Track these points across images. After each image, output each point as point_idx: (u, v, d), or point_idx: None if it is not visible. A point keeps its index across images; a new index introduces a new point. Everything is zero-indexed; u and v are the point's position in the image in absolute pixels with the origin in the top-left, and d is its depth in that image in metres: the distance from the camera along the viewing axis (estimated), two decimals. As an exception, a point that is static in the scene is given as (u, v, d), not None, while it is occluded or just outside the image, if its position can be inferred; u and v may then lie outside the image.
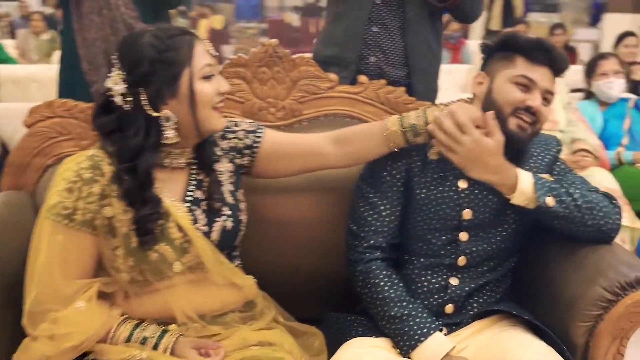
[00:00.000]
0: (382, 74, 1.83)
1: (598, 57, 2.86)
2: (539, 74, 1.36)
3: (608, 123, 2.76)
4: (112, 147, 1.20)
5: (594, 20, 11.18)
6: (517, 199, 1.32)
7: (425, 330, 1.29)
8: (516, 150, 1.40)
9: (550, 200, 1.30)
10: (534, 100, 1.34)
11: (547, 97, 1.37)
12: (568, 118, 2.62)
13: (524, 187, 1.31)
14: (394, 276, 1.37)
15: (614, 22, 8.59)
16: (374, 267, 1.37)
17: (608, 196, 1.39)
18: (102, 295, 1.22)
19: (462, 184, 1.39)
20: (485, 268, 1.41)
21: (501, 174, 1.33)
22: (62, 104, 1.59)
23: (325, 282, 1.60)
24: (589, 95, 2.90)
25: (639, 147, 2.70)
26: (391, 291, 1.34)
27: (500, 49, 1.42)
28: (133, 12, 1.87)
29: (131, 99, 1.18)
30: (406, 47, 1.84)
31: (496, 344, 1.28)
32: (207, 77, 1.21)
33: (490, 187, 1.36)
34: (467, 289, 1.39)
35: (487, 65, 1.44)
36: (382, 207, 1.41)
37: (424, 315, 1.31)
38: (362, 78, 1.67)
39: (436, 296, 1.39)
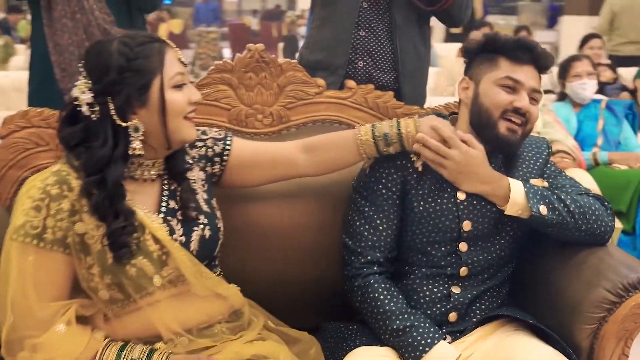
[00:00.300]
0: (371, 79, 1.82)
1: (571, 59, 2.92)
2: (524, 74, 1.36)
3: (582, 124, 2.83)
4: (78, 160, 1.15)
5: (551, 22, 11.51)
6: (511, 209, 1.33)
7: (429, 340, 1.28)
8: (508, 154, 1.41)
9: (543, 209, 1.31)
10: (521, 100, 1.34)
11: (535, 96, 1.37)
12: (544, 120, 2.67)
13: (516, 196, 1.32)
14: (392, 289, 1.36)
15: (571, 25, 8.86)
16: (372, 281, 1.36)
17: (599, 198, 1.40)
18: (81, 320, 1.17)
19: (461, 196, 1.38)
20: (485, 275, 1.41)
21: (493, 184, 1.34)
22: (38, 114, 1.53)
23: (317, 291, 1.57)
24: (562, 96, 2.97)
25: (612, 148, 2.78)
26: (391, 304, 1.33)
27: (481, 52, 1.42)
28: (108, 17, 1.82)
29: (98, 108, 1.14)
30: (394, 52, 1.84)
31: (502, 349, 1.28)
32: (178, 86, 1.18)
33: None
34: (469, 296, 1.39)
35: (470, 70, 1.44)
36: (379, 221, 1.39)
37: (427, 325, 1.31)
38: (350, 83, 1.66)
39: (439, 305, 1.39)
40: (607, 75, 3.85)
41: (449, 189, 1.38)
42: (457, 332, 1.38)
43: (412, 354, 1.27)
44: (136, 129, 1.15)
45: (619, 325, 1.23)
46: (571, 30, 8.40)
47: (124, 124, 1.15)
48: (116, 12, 1.85)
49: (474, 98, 1.40)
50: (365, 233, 1.39)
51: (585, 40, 4.18)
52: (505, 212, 1.34)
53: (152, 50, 1.16)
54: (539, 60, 1.38)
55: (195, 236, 1.24)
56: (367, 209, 1.40)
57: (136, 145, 1.16)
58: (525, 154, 1.46)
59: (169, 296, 1.20)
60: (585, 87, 2.84)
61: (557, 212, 1.32)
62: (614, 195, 2.44)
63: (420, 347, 1.27)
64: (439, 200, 1.38)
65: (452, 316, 1.38)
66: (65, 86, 1.81)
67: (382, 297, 1.34)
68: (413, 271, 1.41)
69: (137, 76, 1.14)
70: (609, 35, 5.51)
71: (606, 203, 1.40)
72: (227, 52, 10.22)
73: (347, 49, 1.83)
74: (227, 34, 10.63)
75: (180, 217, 1.24)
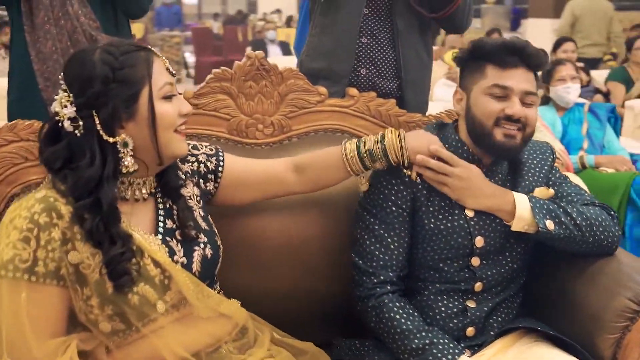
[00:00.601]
0: (374, 87, 1.80)
1: (555, 63, 2.96)
2: (513, 78, 1.33)
3: (568, 128, 2.87)
4: (65, 183, 1.08)
5: (514, 25, 11.74)
6: (517, 224, 1.32)
7: (450, 356, 1.26)
8: (511, 160, 1.40)
9: (550, 224, 1.30)
10: (512, 107, 1.32)
11: (528, 99, 1.34)
12: (531, 124, 2.69)
13: (521, 211, 1.32)
14: (407, 307, 1.34)
15: (535, 27, 9.05)
16: (386, 300, 1.34)
17: (605, 208, 1.40)
18: (82, 355, 1.10)
19: (469, 212, 1.37)
20: (499, 288, 1.41)
21: (498, 198, 1.34)
22: (27, 126, 1.46)
23: (322, 305, 1.55)
24: (546, 100, 3.00)
25: (597, 151, 2.83)
26: (408, 323, 1.31)
27: (470, 60, 1.40)
28: (94, 23, 1.75)
29: (82, 123, 1.07)
30: (397, 59, 1.82)
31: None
32: (167, 97, 1.13)
33: None
34: (485, 309, 1.38)
35: (462, 80, 1.43)
36: (390, 240, 1.37)
37: (446, 341, 1.29)
38: (353, 91, 1.63)
39: (455, 320, 1.37)
40: (580, 78, 3.92)
41: (458, 206, 1.37)
42: (475, 346, 1.37)
43: None
44: (125, 144, 1.09)
45: (643, 333, 1.23)
46: (535, 33, 8.58)
47: (111, 140, 1.08)
48: (102, 17, 1.78)
49: (467, 109, 1.38)
50: (377, 252, 1.37)
51: (559, 43, 4.26)
52: (512, 228, 1.33)
53: (138, 59, 1.10)
54: (530, 60, 1.35)
55: (196, 256, 1.19)
56: (377, 227, 1.37)
57: (128, 161, 1.10)
58: (530, 161, 1.45)
59: (173, 321, 1.14)
60: (569, 91, 2.88)
61: (563, 226, 1.31)
62: (603, 198, 2.46)
63: None
64: (449, 217, 1.36)
65: (470, 331, 1.37)
66: (49, 96, 1.73)
67: (397, 316, 1.32)
68: (426, 287, 1.39)
69: (124, 87, 1.07)
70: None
71: (612, 212, 1.40)
72: (190, 57, 10.10)
73: (351, 56, 1.80)
74: (190, 38, 10.50)
75: (179, 237, 1.19)
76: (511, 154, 1.38)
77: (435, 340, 1.28)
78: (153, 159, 1.13)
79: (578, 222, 1.32)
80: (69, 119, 1.07)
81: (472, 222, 1.36)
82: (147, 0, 1.83)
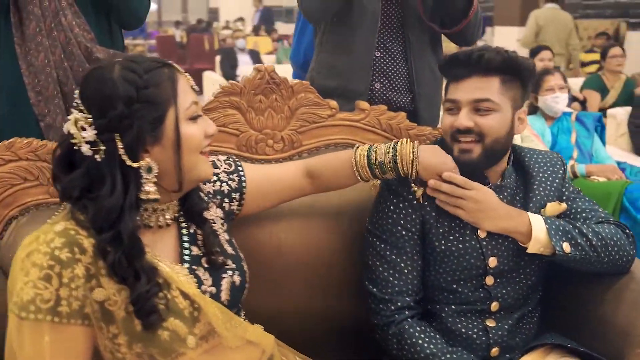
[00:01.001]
0: (388, 101, 1.80)
1: (544, 73, 3.00)
2: (462, 90, 1.32)
3: (557, 137, 2.91)
4: (84, 213, 1.01)
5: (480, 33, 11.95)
6: (533, 246, 1.31)
7: None
8: (474, 173, 1.36)
9: (566, 247, 1.29)
10: (458, 119, 1.31)
11: (482, 106, 1.30)
12: (522, 134, 2.72)
13: (537, 233, 1.30)
14: (428, 330, 1.33)
15: (502, 35, 9.23)
16: (406, 326, 1.32)
17: (619, 225, 1.40)
18: None
19: (482, 233, 1.36)
20: (516, 305, 1.40)
21: (514, 220, 1.32)
22: (25, 145, 1.40)
23: (339, 324, 1.52)
24: (534, 110, 3.04)
25: (587, 160, 2.87)
26: (431, 346, 1.30)
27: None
28: (89, 34, 1.68)
29: (103, 147, 1.00)
30: (409, 72, 1.82)
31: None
32: (193, 118, 1.07)
33: None
34: (506, 327, 1.37)
35: None
36: (403, 265, 1.35)
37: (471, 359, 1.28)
38: (363, 104, 1.62)
39: (478, 342, 1.36)
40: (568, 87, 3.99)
41: (469, 226, 1.35)
42: (500, 363, 1.36)
43: None
44: (149, 170, 1.03)
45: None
46: (500, 41, 8.75)
47: (134, 165, 1.01)
48: (96, 28, 1.72)
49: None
50: (391, 278, 1.35)
51: (535, 52, 4.33)
52: (528, 251, 1.32)
53: (162, 77, 1.03)
54: (481, 65, 1.30)
55: (225, 284, 1.14)
56: (388, 252, 1.36)
57: (150, 188, 1.03)
58: (540, 175, 1.43)
59: (201, 353, 1.08)
60: (558, 101, 2.93)
61: (579, 248, 1.30)
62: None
63: None
64: (461, 239, 1.35)
65: (495, 351, 1.36)
66: (42, 111, 1.66)
67: (420, 341, 1.30)
68: (443, 309, 1.38)
69: (149, 108, 1.01)
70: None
71: (627, 231, 1.40)
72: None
73: (368, 74, 1.79)
74: (153, 46, 10.35)
75: (206, 265, 1.13)
76: (470, 167, 1.34)
77: None
78: (176, 183, 1.07)
79: (594, 242, 1.31)
80: (88, 142, 1.00)
81: (485, 243, 1.35)
82: (144, 10, 1.77)
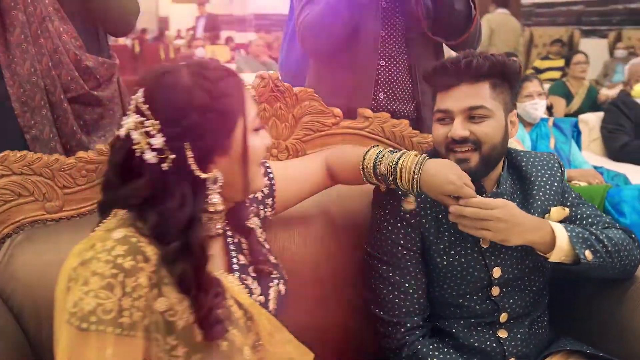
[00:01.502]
0: (392, 111, 1.77)
1: (522, 80, 3.06)
2: (452, 99, 1.30)
3: (537, 143, 2.96)
4: (144, 221, 0.97)
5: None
6: (556, 256, 1.28)
7: None
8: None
9: (588, 254, 1.27)
10: (453, 130, 1.29)
11: (476, 113, 1.29)
12: (503, 140, 2.76)
13: (560, 241, 1.27)
14: (441, 346, 1.32)
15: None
16: (419, 347, 1.32)
17: (626, 231, 1.41)
18: None
19: (485, 244, 1.34)
20: (525, 312, 1.40)
21: (540, 230, 1.28)
22: (19, 158, 1.34)
23: (355, 340, 1.50)
24: (511, 116, 3.08)
25: (566, 165, 2.93)
26: None
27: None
28: (77, 41, 1.62)
29: (172, 156, 0.97)
30: (413, 82, 1.81)
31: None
32: (257, 129, 1.06)
33: None
34: (519, 336, 1.38)
35: None
36: (407, 285, 1.34)
37: None
38: (367, 112, 1.61)
39: (493, 354, 1.36)
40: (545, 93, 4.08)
41: (470, 238, 1.33)
42: (517, 372, 1.36)
43: None
44: (215, 181, 1.01)
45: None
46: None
47: (203, 175, 0.99)
48: (83, 35, 1.66)
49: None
50: (397, 300, 1.34)
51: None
52: (550, 259, 1.29)
53: (232, 86, 1.01)
54: (470, 71, 1.29)
55: (272, 293, 1.13)
56: (391, 274, 1.34)
57: (217, 199, 1.02)
58: (539, 179, 1.42)
59: None
60: (537, 107, 2.98)
61: (598, 255, 1.29)
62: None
63: None
64: (462, 252, 1.34)
65: None
66: (27, 123, 1.59)
67: (435, 358, 1.30)
68: (452, 325, 1.37)
69: (222, 118, 0.99)
70: (487, 50, 5.94)
71: (633, 236, 1.40)
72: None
73: (371, 89, 1.78)
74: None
75: (253, 274, 1.12)
76: (472, 176, 1.30)
77: None
78: (235, 194, 1.07)
79: (609, 248, 1.30)
80: (154, 149, 0.96)
81: (487, 254, 1.34)
82: (134, 15, 1.72)
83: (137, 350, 0.94)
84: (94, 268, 0.92)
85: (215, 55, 8.55)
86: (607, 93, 4.83)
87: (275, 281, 1.15)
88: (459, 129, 1.28)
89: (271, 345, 1.08)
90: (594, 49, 5.77)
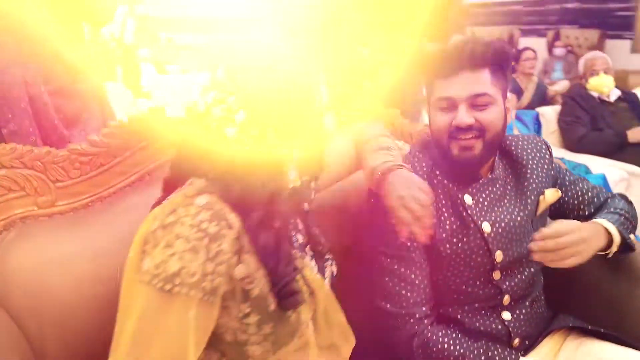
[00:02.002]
0: None
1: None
2: (456, 86, 1.30)
3: (502, 135, 3.04)
4: (230, 192, 0.98)
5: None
6: (613, 249, 1.34)
7: None
8: (473, 170, 1.39)
9: (632, 237, 1.35)
10: (457, 117, 1.29)
11: (480, 100, 1.29)
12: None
13: (615, 236, 1.34)
14: (449, 332, 1.35)
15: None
16: (429, 335, 1.33)
17: (624, 197, 1.50)
18: None
19: (487, 228, 1.37)
20: (525, 293, 1.44)
21: (600, 234, 1.33)
22: (9, 151, 1.28)
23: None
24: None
25: (530, 156, 3.02)
26: (458, 347, 1.32)
27: (425, 77, 1.39)
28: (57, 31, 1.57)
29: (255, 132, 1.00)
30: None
31: (584, 358, 1.33)
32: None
33: (509, 219, 1.38)
34: (522, 316, 1.42)
35: (427, 97, 1.41)
36: (413, 276, 1.35)
37: (500, 350, 1.31)
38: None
39: (498, 336, 1.39)
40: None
41: (472, 225, 1.36)
42: (522, 350, 1.40)
43: None
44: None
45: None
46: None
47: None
48: (65, 25, 1.61)
49: (430, 129, 1.39)
50: (404, 292, 1.35)
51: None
52: (609, 255, 1.35)
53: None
54: (473, 58, 1.30)
55: (328, 272, 1.15)
56: (396, 267, 1.36)
57: (294, 175, 1.04)
58: (531, 162, 1.45)
59: (296, 349, 1.07)
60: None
61: (629, 231, 1.37)
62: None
63: None
64: (465, 239, 1.36)
65: (516, 342, 1.40)
66: (4, 116, 1.53)
67: (446, 345, 1.32)
68: (457, 311, 1.40)
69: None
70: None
71: (629, 199, 1.50)
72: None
73: None
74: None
75: (310, 253, 1.14)
76: (472, 165, 1.35)
77: (490, 354, 1.30)
78: (309, 171, 1.08)
79: (633, 223, 1.39)
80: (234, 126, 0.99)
81: (490, 239, 1.37)
82: (115, 5, 1.68)
83: (213, 317, 0.96)
84: (178, 231, 0.93)
85: (161, 55, 8.40)
86: (556, 89, 5.01)
87: (329, 262, 1.17)
88: (465, 116, 1.28)
89: (324, 323, 1.10)
90: (533, 47, 5.94)
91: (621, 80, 3.45)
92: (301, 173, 1.06)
